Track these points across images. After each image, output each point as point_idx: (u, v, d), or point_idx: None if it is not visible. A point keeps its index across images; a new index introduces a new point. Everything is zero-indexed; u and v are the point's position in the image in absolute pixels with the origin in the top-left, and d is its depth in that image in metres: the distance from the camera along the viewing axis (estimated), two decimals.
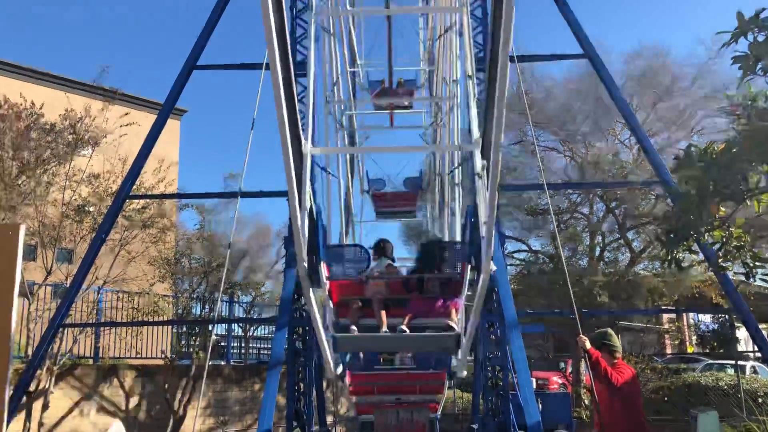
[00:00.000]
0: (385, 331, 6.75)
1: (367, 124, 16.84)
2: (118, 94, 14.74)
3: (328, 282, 6.80)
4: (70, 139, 13.82)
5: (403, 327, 6.63)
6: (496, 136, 4.76)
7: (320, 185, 12.21)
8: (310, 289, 5.80)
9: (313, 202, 6.10)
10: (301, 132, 5.56)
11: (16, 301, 2.29)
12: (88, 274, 12.18)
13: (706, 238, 5.06)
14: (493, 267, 5.50)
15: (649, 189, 20.52)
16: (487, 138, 5.36)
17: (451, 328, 6.72)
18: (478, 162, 6.07)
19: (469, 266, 6.70)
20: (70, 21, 59.87)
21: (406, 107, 14.85)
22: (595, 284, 19.46)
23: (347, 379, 8.91)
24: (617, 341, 6.63)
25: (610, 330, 6.85)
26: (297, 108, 5.43)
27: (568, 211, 23.84)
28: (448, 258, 8.02)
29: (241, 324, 21.47)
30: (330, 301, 7.16)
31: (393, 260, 8.10)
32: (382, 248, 8.01)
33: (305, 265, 5.51)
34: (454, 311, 7.07)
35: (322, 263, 6.06)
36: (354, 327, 6.89)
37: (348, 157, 14.83)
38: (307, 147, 5.69)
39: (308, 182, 5.68)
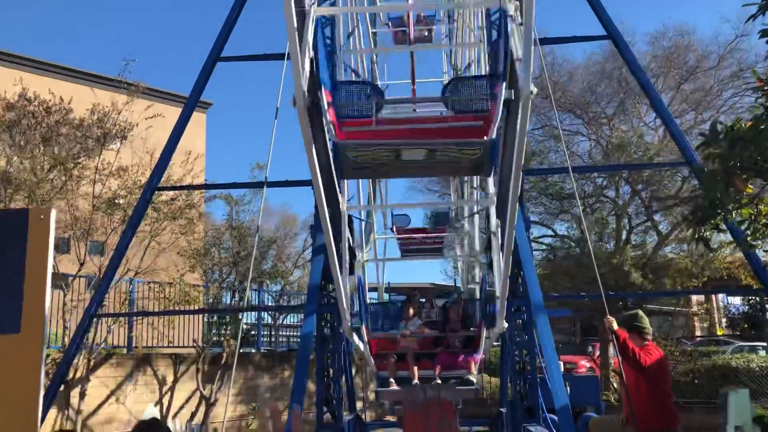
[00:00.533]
0: (416, 383, 7.88)
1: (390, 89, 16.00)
2: (142, 88, 14.95)
3: (369, 342, 7.40)
4: (99, 133, 14.08)
5: (437, 379, 7.86)
6: (512, 202, 4.77)
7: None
8: (309, 126, 5.67)
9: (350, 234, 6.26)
10: (339, 193, 5.65)
11: (49, 285, 2.38)
12: (120, 266, 12.42)
13: (733, 215, 5.04)
14: (505, 324, 5.73)
15: (676, 170, 20.30)
16: (502, 198, 5.38)
17: (471, 382, 8.09)
18: (493, 220, 6.07)
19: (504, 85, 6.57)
20: (93, 16, 60.56)
21: (427, 35, 13.88)
22: (626, 262, 19.30)
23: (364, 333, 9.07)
24: (647, 323, 6.61)
25: (640, 312, 6.82)
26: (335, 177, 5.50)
27: (593, 195, 23.67)
28: (470, 317, 9.46)
29: (270, 312, 21.72)
30: (371, 355, 8.20)
31: (422, 305, 9.60)
32: (411, 300, 9.50)
33: (305, 92, 5.41)
34: (473, 364, 8.51)
35: (324, 90, 5.98)
36: (392, 379, 8.19)
37: (370, 187, 14.19)
38: (344, 206, 5.80)
39: (347, 239, 5.81)
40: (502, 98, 5.40)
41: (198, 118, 27.43)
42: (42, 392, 2.33)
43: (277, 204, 42.91)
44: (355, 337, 6.38)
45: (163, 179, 13.15)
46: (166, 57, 67.64)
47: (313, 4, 5.62)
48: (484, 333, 7.37)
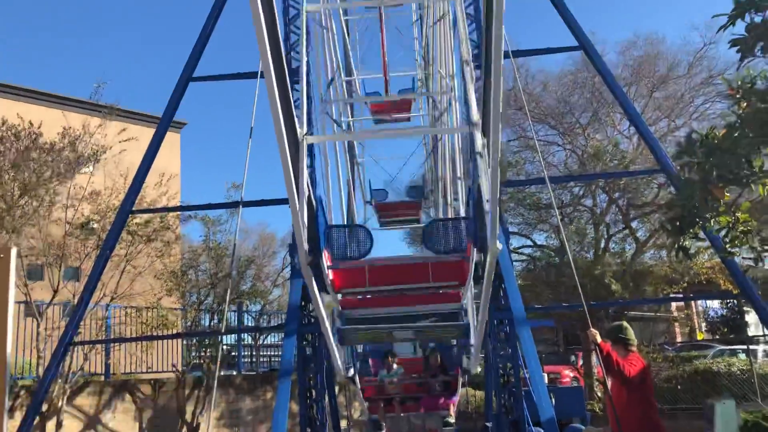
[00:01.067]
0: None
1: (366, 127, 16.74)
2: (115, 110, 14.75)
3: (330, 271, 6.98)
4: (70, 157, 13.84)
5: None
6: (495, 112, 4.72)
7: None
8: (313, 279, 5.80)
9: (311, 191, 6.12)
10: (296, 120, 5.57)
11: (11, 323, 2.26)
12: (96, 291, 12.17)
13: (712, 224, 5.02)
14: (499, 245, 5.50)
15: (652, 178, 20.48)
16: (487, 115, 5.33)
17: (450, 424, 9.50)
18: (479, 141, 6.09)
19: (475, 249, 6.74)
20: (64, 40, 60.06)
21: (404, 110, 14.69)
22: (606, 273, 19.41)
23: (359, 384, 9.21)
24: (632, 334, 6.62)
25: (624, 323, 6.86)
26: (291, 98, 5.41)
27: (571, 204, 23.80)
28: (447, 364, 10.61)
29: (251, 333, 21.49)
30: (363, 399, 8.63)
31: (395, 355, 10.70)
32: (391, 356, 10.67)
33: (307, 251, 5.46)
34: (452, 406, 9.84)
35: (324, 252, 6.05)
36: (383, 423, 9.47)
37: (348, 166, 14.74)
38: (302, 134, 5.70)
39: (305, 170, 5.68)
40: (473, 261, 6.31)
41: (172, 138, 27.15)
42: (6, 425, 2.20)
43: (254, 223, 42.61)
44: (313, 281, 6.17)
45: (137, 202, 12.96)
46: (138, 78, 67.25)
47: (305, 134, 5.72)
48: (474, 257, 7.09)
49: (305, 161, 5.70)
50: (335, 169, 13.01)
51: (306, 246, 5.49)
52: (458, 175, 12.32)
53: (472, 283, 7.26)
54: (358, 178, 15.84)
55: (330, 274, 7.12)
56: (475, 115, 6.38)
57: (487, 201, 5.55)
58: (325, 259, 6.51)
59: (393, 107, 13.75)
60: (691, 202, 4.68)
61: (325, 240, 6.97)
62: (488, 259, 5.60)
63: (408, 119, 14.93)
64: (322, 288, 6.59)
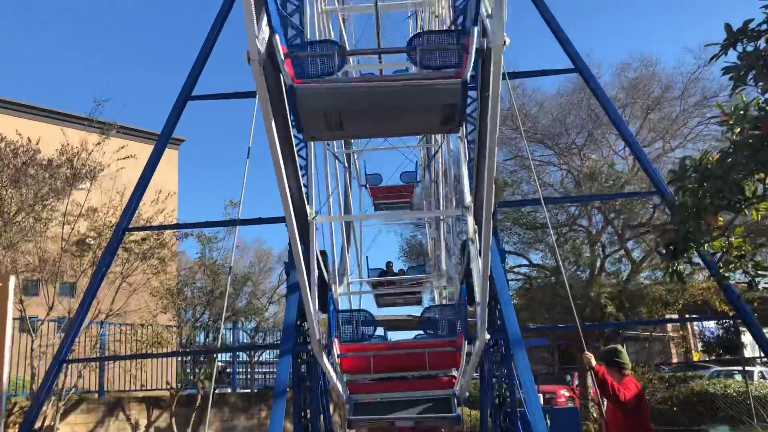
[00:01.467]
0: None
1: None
2: (114, 127, 14.80)
3: (339, 358, 7.33)
4: (68, 174, 13.87)
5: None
6: (487, 204, 4.73)
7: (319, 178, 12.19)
8: (323, 354, 6.07)
9: (324, 270, 6.30)
10: (305, 201, 5.65)
11: (8, 348, 2.28)
12: (91, 308, 12.14)
13: (705, 248, 5.07)
14: (487, 336, 5.72)
15: (647, 199, 20.57)
16: (479, 202, 5.35)
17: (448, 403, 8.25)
18: (471, 226, 6.12)
19: (466, 342, 7.05)
20: (62, 54, 60.30)
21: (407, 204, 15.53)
22: (601, 295, 19.43)
23: (336, 349, 8.95)
24: (626, 358, 6.64)
25: (619, 347, 6.89)
26: (300, 179, 5.47)
27: (566, 224, 23.86)
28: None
29: (246, 350, 21.41)
30: (341, 374, 8.01)
31: None
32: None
33: (320, 339, 5.70)
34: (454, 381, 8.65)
35: (335, 340, 6.31)
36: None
37: (345, 157, 15.22)
38: (312, 214, 5.80)
39: (316, 249, 5.80)
40: (474, 48, 5.24)
41: (170, 155, 27.20)
42: None
43: (251, 239, 42.61)
44: (325, 359, 6.28)
45: (134, 219, 12.98)
46: (138, 94, 67.48)
47: None
48: (465, 347, 7.26)
49: (314, 231, 5.85)
50: (333, 161, 13.41)
51: (318, 335, 5.70)
52: (443, 193, 12.62)
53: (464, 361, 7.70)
54: (353, 164, 16.36)
55: (339, 361, 7.64)
56: (468, 198, 6.41)
57: (478, 303, 5.72)
58: (336, 348, 6.84)
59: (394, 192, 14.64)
60: (685, 227, 4.73)
61: (334, 325, 7.51)
62: (476, 347, 5.85)
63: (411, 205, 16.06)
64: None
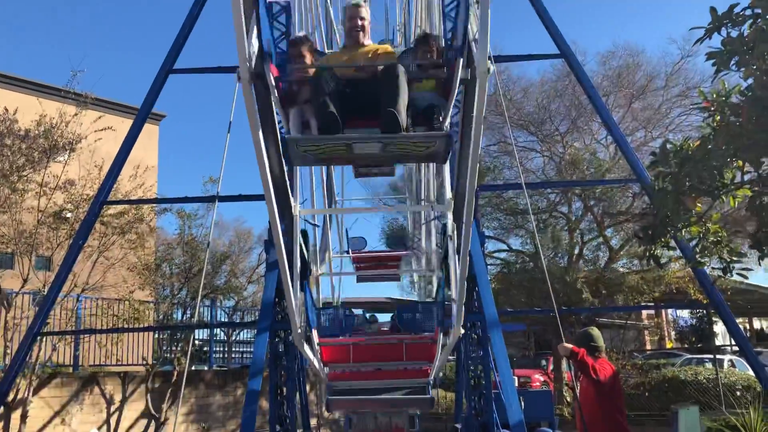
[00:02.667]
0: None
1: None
2: (91, 99, 14.56)
3: (320, 348, 7.30)
4: (45, 145, 13.64)
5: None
6: (468, 204, 4.72)
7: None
8: (303, 343, 6.03)
9: (305, 249, 6.22)
10: (291, 194, 5.57)
11: None
12: (67, 282, 12.02)
13: (683, 234, 5.12)
14: (461, 331, 5.70)
15: (627, 187, 20.74)
16: (459, 202, 5.34)
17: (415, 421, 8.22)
18: (450, 224, 6.12)
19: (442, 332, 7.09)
20: (40, 23, 59.24)
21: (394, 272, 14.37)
22: (578, 280, 19.63)
23: (315, 339, 9.05)
24: (601, 341, 6.82)
25: (591, 330, 6.97)
26: (285, 171, 5.38)
27: (547, 210, 24.02)
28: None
29: (224, 328, 21.36)
30: (321, 362, 7.79)
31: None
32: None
33: (300, 331, 5.65)
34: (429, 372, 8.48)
35: (313, 330, 6.27)
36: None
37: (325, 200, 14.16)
38: (296, 209, 5.73)
39: (299, 242, 5.75)
40: (459, 77, 4.99)
41: (150, 130, 26.86)
42: None
43: (231, 218, 42.40)
44: (306, 348, 6.31)
45: (112, 193, 12.82)
46: (118, 67, 66.56)
47: None
48: (440, 339, 7.36)
49: (298, 232, 5.79)
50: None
51: (300, 323, 5.64)
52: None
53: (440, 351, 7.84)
54: (336, 224, 15.04)
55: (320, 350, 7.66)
56: (449, 194, 6.39)
57: (453, 298, 5.71)
58: (315, 338, 6.83)
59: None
60: (664, 211, 4.76)
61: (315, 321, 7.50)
62: (450, 339, 5.91)
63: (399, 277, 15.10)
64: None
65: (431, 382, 8.39)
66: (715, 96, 4.59)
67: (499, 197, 23.02)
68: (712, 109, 4.61)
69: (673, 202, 4.54)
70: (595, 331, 6.94)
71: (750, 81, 4.24)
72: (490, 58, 4.40)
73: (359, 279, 14.31)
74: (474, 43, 4.78)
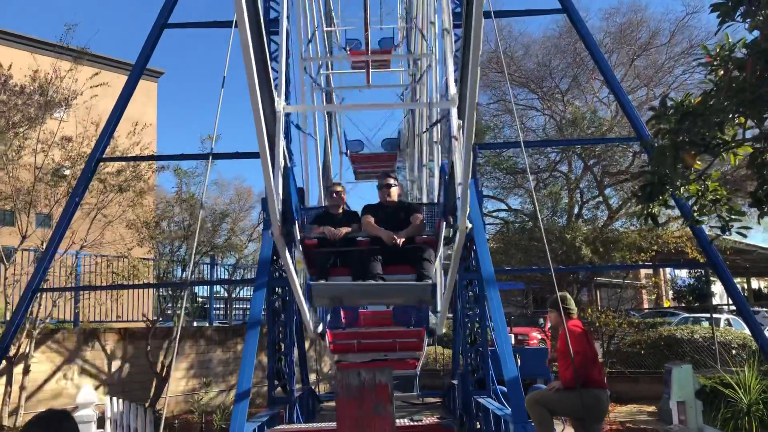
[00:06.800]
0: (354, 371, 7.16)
1: (345, 84, 16.76)
2: (86, 54, 14.34)
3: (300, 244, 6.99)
4: (41, 101, 13.49)
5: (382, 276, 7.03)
6: (471, 95, 4.75)
7: (297, 146, 12.13)
8: (286, 249, 5.87)
9: (288, 162, 6.06)
10: (274, 89, 5.47)
11: None
12: (65, 239, 12.03)
13: (681, 192, 5.07)
14: (469, 225, 5.60)
15: (627, 146, 20.62)
16: (463, 96, 5.32)
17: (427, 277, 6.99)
18: (455, 121, 6.07)
19: (445, 224, 6.81)
20: None
21: (384, 63, 14.71)
22: (577, 238, 19.65)
23: (327, 338, 9.23)
24: (572, 304, 7.35)
25: (567, 295, 7.50)
26: (269, 64, 5.32)
27: (546, 169, 23.92)
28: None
29: (225, 286, 21.50)
30: (305, 264, 7.43)
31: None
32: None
33: (280, 225, 5.52)
34: (431, 261, 7.39)
35: (296, 224, 6.06)
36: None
37: (326, 117, 14.77)
38: (281, 105, 5.63)
39: (282, 141, 5.63)
40: (442, 235, 6.69)
41: (148, 87, 26.60)
42: None
43: (231, 176, 42.32)
44: (287, 256, 6.19)
45: (109, 150, 12.74)
46: (114, 24, 65.57)
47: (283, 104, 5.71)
48: (443, 231, 7.13)
49: (282, 129, 5.67)
50: (311, 118, 12.93)
51: (279, 217, 5.48)
52: (435, 138, 12.33)
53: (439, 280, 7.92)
54: (335, 128, 15.92)
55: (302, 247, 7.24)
56: (453, 90, 6.32)
57: (459, 184, 5.62)
58: (297, 232, 6.37)
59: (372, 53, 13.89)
60: (662, 169, 4.70)
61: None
62: (457, 237, 5.80)
63: (387, 65, 15.00)
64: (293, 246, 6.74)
65: (417, 374, 8.67)
66: (718, 50, 4.48)
67: (499, 156, 22.91)
68: (715, 63, 4.51)
69: (672, 159, 4.48)
70: (568, 296, 7.46)
71: (755, 34, 4.13)
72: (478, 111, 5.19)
73: (357, 177, 15.62)
74: (458, 200, 5.61)
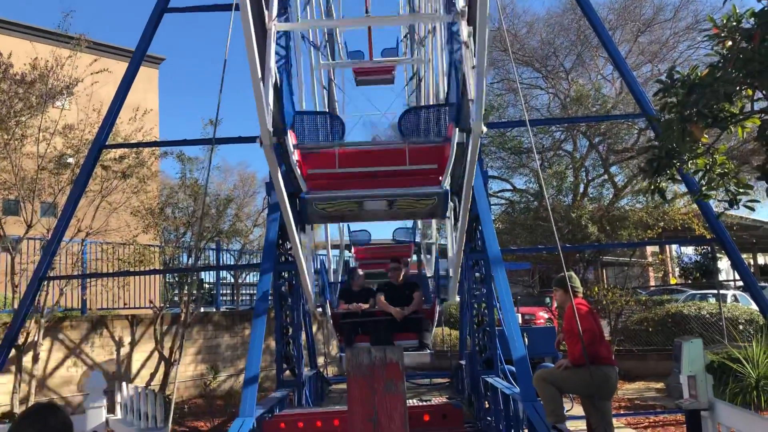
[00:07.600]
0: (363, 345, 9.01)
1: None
2: (86, 41, 14.25)
3: (296, 151, 6.99)
4: (42, 89, 13.43)
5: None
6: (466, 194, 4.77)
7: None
8: (276, 163, 5.77)
9: (277, 77, 6.05)
10: (264, 8, 5.51)
11: None
12: (71, 227, 12.02)
13: (689, 166, 5.01)
14: (484, 129, 5.46)
15: (632, 123, 20.47)
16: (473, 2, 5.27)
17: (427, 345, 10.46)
18: (464, 30, 5.97)
19: (457, 129, 6.87)
20: None
21: (387, 81, 15.81)
22: (583, 216, 19.57)
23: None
24: (578, 283, 7.26)
25: (572, 273, 7.45)
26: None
27: (551, 148, 23.79)
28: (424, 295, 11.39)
29: (231, 271, 21.54)
30: (300, 173, 7.38)
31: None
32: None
33: (270, 131, 5.35)
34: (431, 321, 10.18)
35: (289, 131, 6.02)
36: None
37: (326, 35, 15.61)
38: (272, 22, 5.64)
39: (273, 57, 5.63)
40: (455, 141, 6.52)
41: (150, 74, 26.51)
42: None
43: (235, 162, 42.27)
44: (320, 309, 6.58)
45: (111, 136, 12.68)
46: (113, 10, 65.25)
47: (274, 20, 5.58)
48: (455, 137, 7.04)
49: (273, 47, 5.67)
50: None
51: (270, 125, 5.36)
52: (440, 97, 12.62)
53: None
54: (336, 41, 16.80)
55: (296, 155, 6.90)
56: (461, 2, 6.25)
57: (471, 101, 5.54)
58: (291, 138, 6.25)
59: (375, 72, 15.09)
60: (669, 143, 4.64)
61: (293, 125, 6.99)
62: (471, 141, 5.78)
63: (392, 81, 16.37)
64: (296, 187, 6.81)
65: (446, 188, 7.38)
66: (725, 21, 4.40)
67: (503, 136, 22.78)
68: (723, 35, 4.43)
69: (679, 133, 4.41)
70: (573, 275, 7.45)
71: (764, 3, 4.05)
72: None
73: (358, 83, 16.42)
74: (471, 103, 5.45)
